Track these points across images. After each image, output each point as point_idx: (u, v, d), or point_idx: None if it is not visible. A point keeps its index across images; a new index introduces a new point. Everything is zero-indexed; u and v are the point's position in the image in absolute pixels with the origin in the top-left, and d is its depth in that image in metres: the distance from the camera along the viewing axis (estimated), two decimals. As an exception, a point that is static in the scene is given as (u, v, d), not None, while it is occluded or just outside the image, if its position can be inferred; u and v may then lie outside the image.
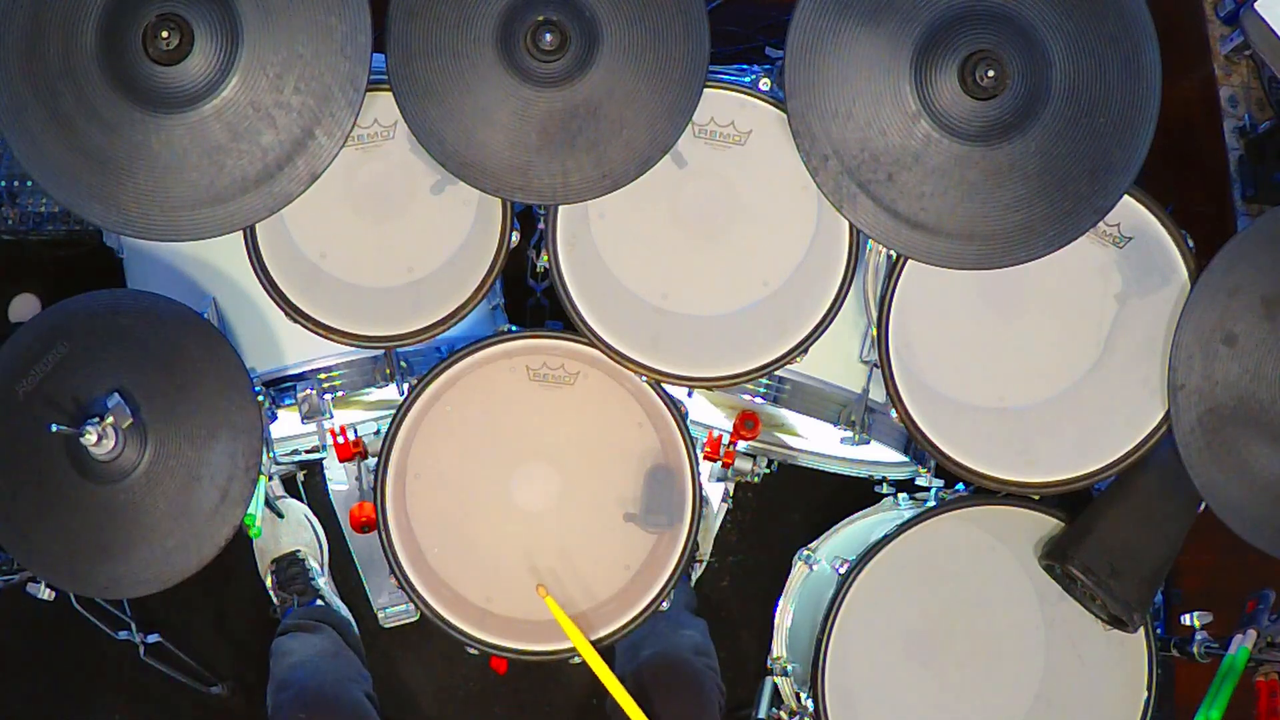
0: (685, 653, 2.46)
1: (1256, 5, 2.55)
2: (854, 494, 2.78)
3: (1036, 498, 2.39)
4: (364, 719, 2.45)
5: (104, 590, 2.17)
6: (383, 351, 2.39)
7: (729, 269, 2.37)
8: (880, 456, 2.70)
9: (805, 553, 2.70)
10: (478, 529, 2.42)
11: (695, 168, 2.32)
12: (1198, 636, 2.30)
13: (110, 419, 2.00)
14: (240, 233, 2.20)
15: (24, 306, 2.92)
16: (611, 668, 2.47)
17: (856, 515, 2.72)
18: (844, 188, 2.14)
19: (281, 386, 2.37)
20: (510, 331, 2.33)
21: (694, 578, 2.94)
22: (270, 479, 2.41)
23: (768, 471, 2.77)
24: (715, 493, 2.85)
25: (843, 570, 2.40)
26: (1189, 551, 2.33)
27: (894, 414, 2.32)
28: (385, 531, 2.35)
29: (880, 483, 2.74)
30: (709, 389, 2.44)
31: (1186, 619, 2.31)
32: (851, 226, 2.26)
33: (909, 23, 2.08)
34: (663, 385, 2.35)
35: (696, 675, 2.41)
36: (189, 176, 2.08)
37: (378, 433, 2.54)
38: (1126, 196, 2.23)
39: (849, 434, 2.43)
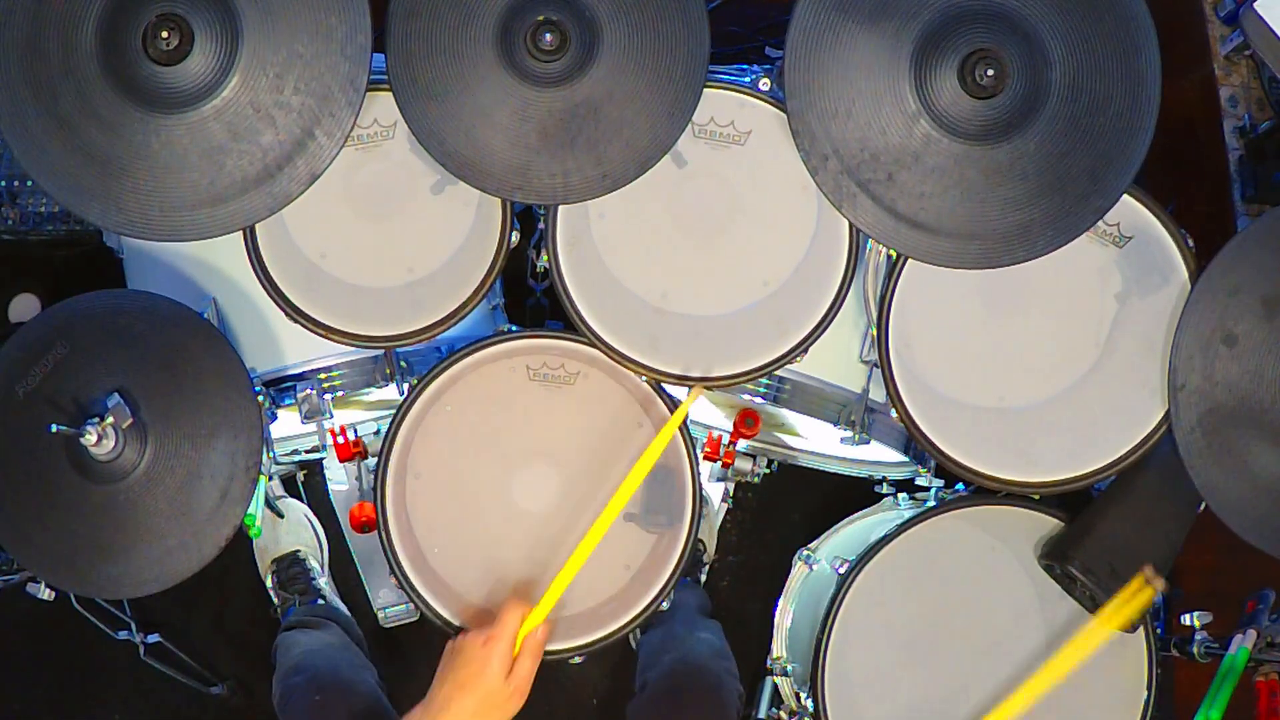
0: (705, 658, 2.46)
1: (1256, 5, 2.55)
2: (854, 494, 2.78)
3: (1036, 498, 2.39)
4: (377, 703, 2.45)
5: (104, 590, 2.16)
6: (383, 351, 2.39)
7: (729, 269, 2.37)
8: (880, 456, 2.70)
9: (805, 553, 2.70)
10: (478, 529, 2.42)
11: (695, 168, 2.32)
12: (1198, 636, 2.30)
13: (110, 419, 2.00)
14: (240, 233, 2.20)
15: (24, 306, 2.92)
16: (633, 678, 2.48)
17: (856, 515, 2.72)
18: (844, 187, 2.14)
19: (281, 386, 2.37)
20: (510, 331, 2.33)
21: (702, 578, 2.94)
22: (270, 479, 2.41)
23: (768, 471, 2.77)
24: (715, 493, 2.85)
25: (843, 570, 2.40)
26: (1189, 551, 2.33)
27: (894, 414, 2.32)
28: (385, 531, 2.35)
29: (880, 483, 2.74)
30: (709, 389, 2.44)
31: (1186, 619, 2.31)
32: (851, 226, 2.26)
33: (908, 22, 2.08)
34: (663, 385, 2.35)
35: (717, 681, 2.42)
36: (189, 176, 2.08)
37: (378, 433, 2.54)
38: (1126, 196, 2.23)
39: (849, 434, 2.43)
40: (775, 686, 2.73)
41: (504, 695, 2.13)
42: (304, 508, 2.90)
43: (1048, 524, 2.41)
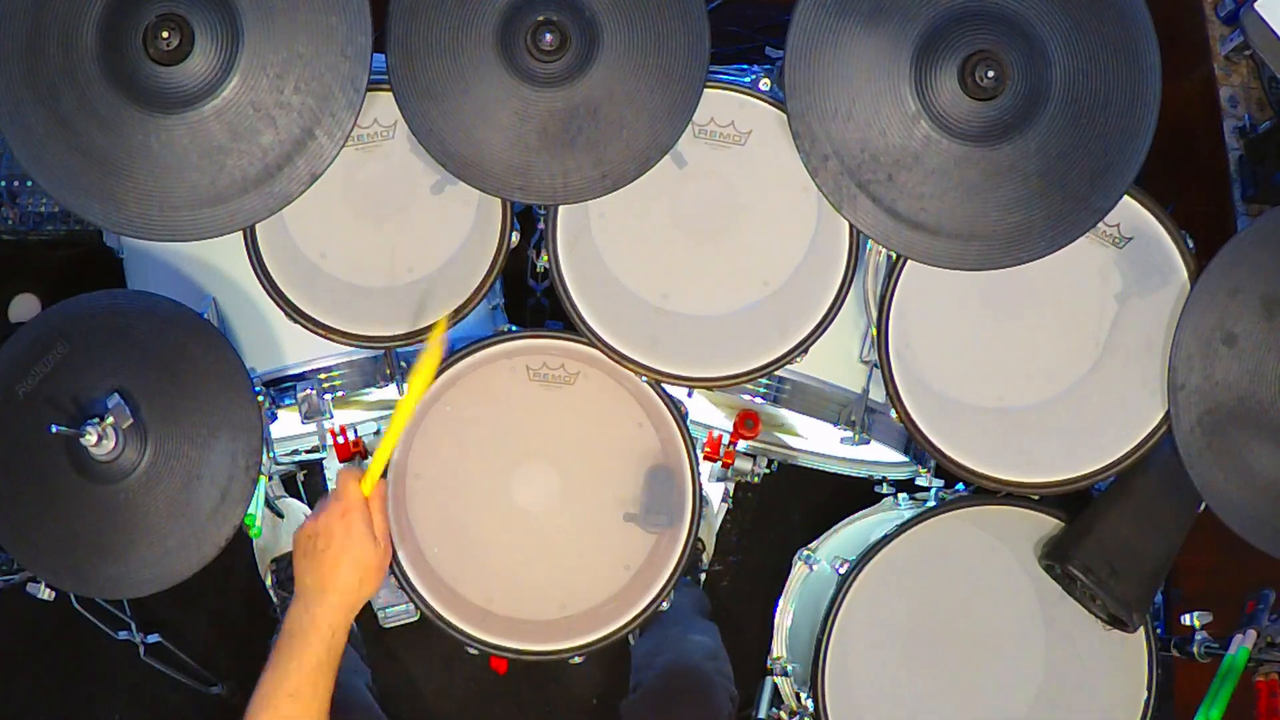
0: (696, 660, 2.46)
1: (1256, 5, 2.55)
2: (854, 494, 2.78)
3: (1036, 498, 2.39)
4: (368, 710, 2.45)
5: (104, 590, 2.17)
6: (383, 351, 2.39)
7: (729, 269, 2.37)
8: (880, 456, 2.70)
9: (805, 553, 2.70)
10: (478, 529, 2.42)
11: (695, 168, 2.32)
12: (1198, 636, 2.30)
13: (110, 419, 2.00)
14: (240, 233, 2.20)
15: (24, 306, 2.92)
16: (627, 679, 2.47)
17: (856, 515, 2.72)
18: (844, 188, 2.14)
19: (281, 386, 2.37)
20: (510, 331, 2.33)
21: (702, 578, 2.94)
22: (270, 479, 2.41)
23: (768, 471, 2.77)
24: (715, 493, 2.85)
25: (843, 570, 2.40)
26: (1189, 551, 2.33)
27: (894, 414, 2.32)
28: (385, 531, 2.35)
29: (880, 483, 2.74)
30: (709, 389, 2.44)
31: (1186, 619, 2.31)
32: (851, 226, 2.26)
33: (909, 23, 2.08)
34: (663, 385, 2.35)
35: (706, 683, 2.41)
36: (189, 176, 2.08)
37: (378, 433, 2.54)
38: (1126, 196, 2.23)
39: (849, 434, 2.43)
40: (775, 686, 2.72)
41: (378, 555, 2.02)
42: (304, 508, 2.90)
43: (1048, 524, 2.41)
